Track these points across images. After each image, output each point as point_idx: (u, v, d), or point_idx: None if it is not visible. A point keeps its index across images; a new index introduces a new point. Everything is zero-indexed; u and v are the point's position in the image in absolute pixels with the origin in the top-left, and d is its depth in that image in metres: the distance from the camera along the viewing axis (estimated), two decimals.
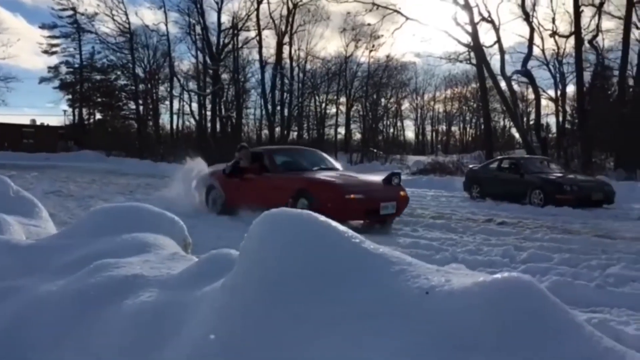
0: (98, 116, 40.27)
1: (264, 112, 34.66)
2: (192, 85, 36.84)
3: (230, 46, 33.58)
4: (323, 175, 7.94)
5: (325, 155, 9.84)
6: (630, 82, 23.97)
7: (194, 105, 36.03)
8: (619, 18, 24.89)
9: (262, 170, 8.48)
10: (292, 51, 34.55)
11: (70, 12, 36.11)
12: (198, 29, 33.01)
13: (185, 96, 37.78)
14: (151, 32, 35.32)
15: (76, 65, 38.27)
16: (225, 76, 34.40)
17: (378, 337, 1.41)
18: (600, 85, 27.98)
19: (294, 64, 35.06)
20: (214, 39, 32.88)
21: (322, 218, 1.77)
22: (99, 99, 39.15)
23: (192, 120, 36.85)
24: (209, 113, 34.70)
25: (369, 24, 32.05)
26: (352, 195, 7.10)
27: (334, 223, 1.78)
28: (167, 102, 37.25)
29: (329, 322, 1.49)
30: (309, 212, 1.78)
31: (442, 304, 1.43)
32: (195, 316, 1.81)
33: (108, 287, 2.20)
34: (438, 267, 1.70)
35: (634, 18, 23.47)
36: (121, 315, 2.00)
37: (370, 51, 35.02)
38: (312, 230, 1.68)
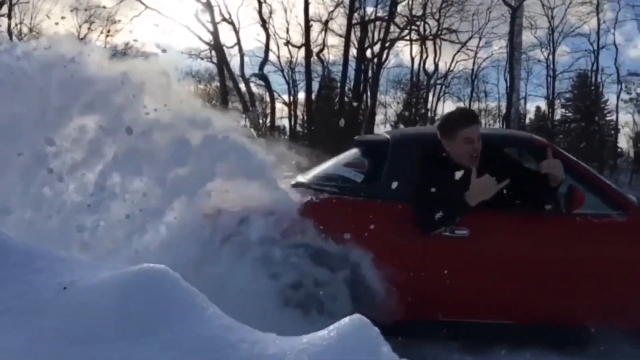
0: None
1: None
2: None
3: None
4: None
5: None
6: (350, 94, 27.53)
7: None
8: (341, 36, 28.34)
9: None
10: (12, 24, 30.19)
11: None
12: None
13: None
14: None
15: None
16: None
17: (4, 336, 1.33)
18: (326, 95, 31.44)
19: (14, 39, 30.71)
20: None
21: None
22: None
23: None
24: None
25: (104, 7, 29.79)
26: None
27: None
28: None
29: None
30: None
31: (77, 297, 1.42)
32: None
33: None
34: (91, 261, 1.69)
35: (353, 38, 26.98)
36: None
37: (107, 36, 32.72)
38: None
